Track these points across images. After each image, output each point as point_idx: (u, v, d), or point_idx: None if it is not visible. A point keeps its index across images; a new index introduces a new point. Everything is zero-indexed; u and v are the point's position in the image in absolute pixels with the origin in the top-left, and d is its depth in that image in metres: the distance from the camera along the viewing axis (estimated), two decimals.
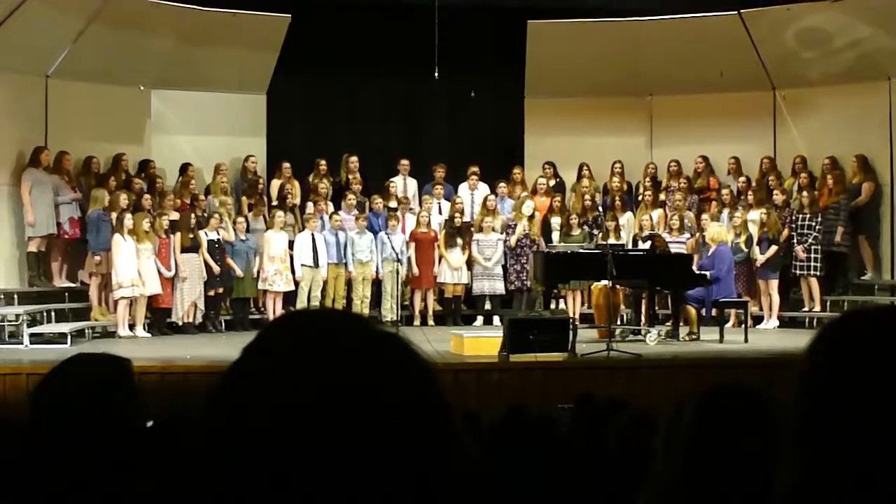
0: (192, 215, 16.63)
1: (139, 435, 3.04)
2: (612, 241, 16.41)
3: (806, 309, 17.04)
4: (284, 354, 1.32)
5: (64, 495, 2.77)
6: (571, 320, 13.77)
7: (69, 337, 14.63)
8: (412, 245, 17.63)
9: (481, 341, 13.36)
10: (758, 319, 16.82)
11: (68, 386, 2.95)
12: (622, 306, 16.66)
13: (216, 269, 16.53)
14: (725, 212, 17.52)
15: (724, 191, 17.87)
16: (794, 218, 17.01)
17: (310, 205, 17.77)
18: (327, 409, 1.27)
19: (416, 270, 17.55)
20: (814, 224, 16.76)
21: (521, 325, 12.82)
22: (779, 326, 16.81)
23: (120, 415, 2.95)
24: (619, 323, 15.99)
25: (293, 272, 17.01)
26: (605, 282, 14.58)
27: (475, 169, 18.69)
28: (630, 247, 16.91)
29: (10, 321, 14.93)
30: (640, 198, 18.50)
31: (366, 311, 17.11)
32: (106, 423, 2.88)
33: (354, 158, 18.40)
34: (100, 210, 15.92)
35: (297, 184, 18.27)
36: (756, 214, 17.05)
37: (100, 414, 2.88)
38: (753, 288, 17.05)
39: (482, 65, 19.33)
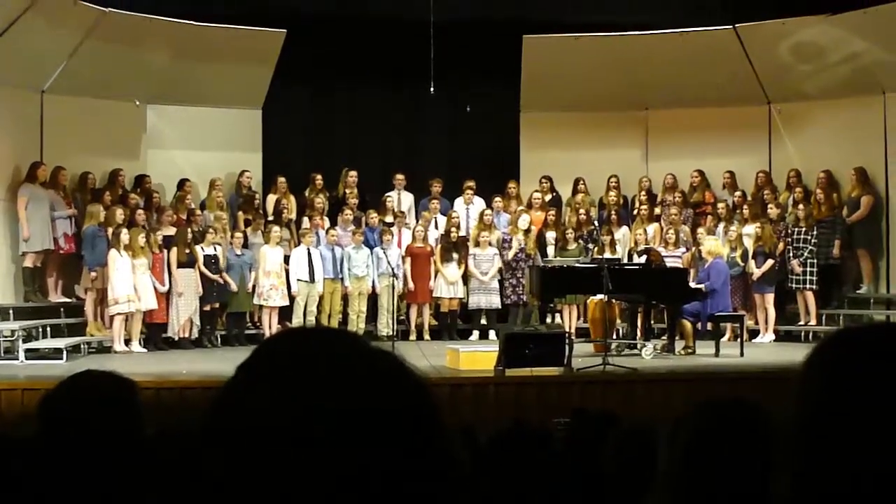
0: (189, 230, 16.62)
1: (139, 452, 3.04)
2: (607, 255, 16.39)
3: (801, 322, 17.04)
4: (278, 374, 1.32)
5: None
6: (567, 334, 13.75)
7: (65, 352, 14.61)
8: (408, 260, 17.63)
9: (477, 356, 13.34)
10: (754, 333, 16.82)
11: (76, 399, 2.95)
12: (618, 320, 16.65)
13: (217, 279, 16.51)
14: (721, 226, 17.52)
15: (720, 205, 17.87)
16: (789, 231, 17.03)
17: (305, 220, 17.77)
18: (321, 429, 1.27)
19: (411, 285, 17.56)
20: (809, 238, 16.77)
21: (517, 340, 12.81)
22: (775, 340, 16.81)
23: (122, 432, 2.95)
24: (614, 337, 15.98)
25: (289, 287, 17.00)
26: (601, 296, 14.58)
27: (471, 183, 18.70)
28: (626, 261, 16.92)
29: (5, 337, 14.89)
30: (635, 212, 18.51)
31: (362, 325, 17.12)
32: (108, 438, 2.88)
33: (354, 173, 18.40)
34: (95, 225, 15.92)
35: (292, 198, 18.27)
36: (751, 228, 17.06)
37: (103, 429, 2.88)
38: (749, 302, 17.04)
39: (478, 79, 19.34)
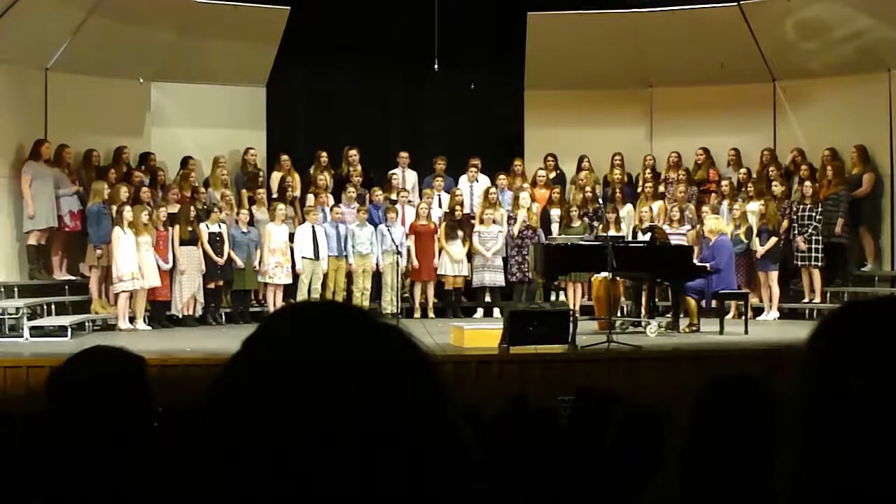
0: (192, 208, 16.62)
1: (147, 429, 3.05)
2: (612, 232, 16.40)
3: (806, 300, 17.05)
4: (284, 347, 1.32)
5: (73, 486, 2.77)
6: (571, 312, 13.75)
7: (69, 330, 14.64)
8: (412, 237, 17.63)
9: (481, 333, 13.36)
10: (758, 311, 16.82)
11: (85, 375, 2.95)
12: (622, 298, 16.66)
13: (220, 261, 16.52)
14: (725, 203, 17.52)
15: (724, 182, 17.86)
16: (795, 209, 17.01)
17: (310, 197, 17.76)
18: (328, 402, 1.27)
19: (415, 263, 17.56)
20: (814, 215, 16.75)
21: (522, 317, 12.80)
22: (779, 318, 16.82)
23: (131, 408, 2.96)
24: (619, 315, 15.98)
25: (294, 265, 17.00)
26: (605, 273, 14.57)
27: (475, 161, 18.69)
28: (630, 238, 16.91)
29: (10, 314, 14.92)
30: (639, 190, 18.50)
31: (366, 303, 17.12)
32: (117, 415, 2.89)
33: (354, 151, 18.41)
34: (100, 203, 15.92)
35: (297, 176, 18.27)
36: (755, 206, 17.05)
37: (112, 406, 2.89)
38: (753, 279, 17.05)
39: (482, 57, 19.31)
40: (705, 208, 17.33)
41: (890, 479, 1.33)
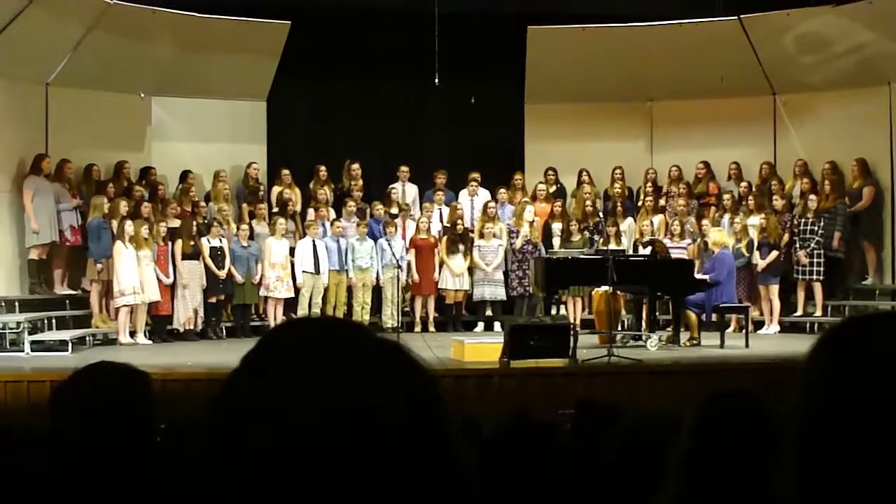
0: (193, 222, 16.62)
1: (151, 445, 3.05)
2: (612, 246, 16.39)
3: (799, 313, 17.04)
4: (282, 364, 1.32)
5: (77, 501, 2.77)
6: (572, 326, 13.74)
7: (70, 344, 14.63)
8: (412, 251, 17.63)
9: (482, 347, 13.35)
10: (759, 325, 16.80)
11: (90, 390, 2.95)
12: (623, 312, 16.65)
13: (221, 275, 16.52)
14: (726, 217, 17.50)
15: (726, 196, 17.84)
16: (797, 222, 17.00)
17: (311, 211, 17.77)
18: (326, 420, 1.27)
19: (416, 277, 17.55)
20: (816, 229, 16.74)
21: (522, 331, 12.79)
22: (779, 331, 16.80)
23: (135, 425, 2.95)
24: (619, 328, 15.97)
25: (294, 279, 17.00)
26: (605, 287, 14.57)
27: (475, 175, 18.69)
28: (631, 252, 16.91)
29: (11, 329, 14.93)
30: (640, 203, 18.49)
31: (366, 317, 17.13)
32: (121, 431, 2.88)
33: (356, 165, 18.42)
34: (100, 217, 15.93)
35: (297, 190, 18.27)
36: (756, 219, 17.04)
37: (116, 421, 2.89)
38: (754, 293, 17.03)
39: (482, 71, 19.31)
40: (705, 222, 17.33)
41: (889, 494, 1.33)
